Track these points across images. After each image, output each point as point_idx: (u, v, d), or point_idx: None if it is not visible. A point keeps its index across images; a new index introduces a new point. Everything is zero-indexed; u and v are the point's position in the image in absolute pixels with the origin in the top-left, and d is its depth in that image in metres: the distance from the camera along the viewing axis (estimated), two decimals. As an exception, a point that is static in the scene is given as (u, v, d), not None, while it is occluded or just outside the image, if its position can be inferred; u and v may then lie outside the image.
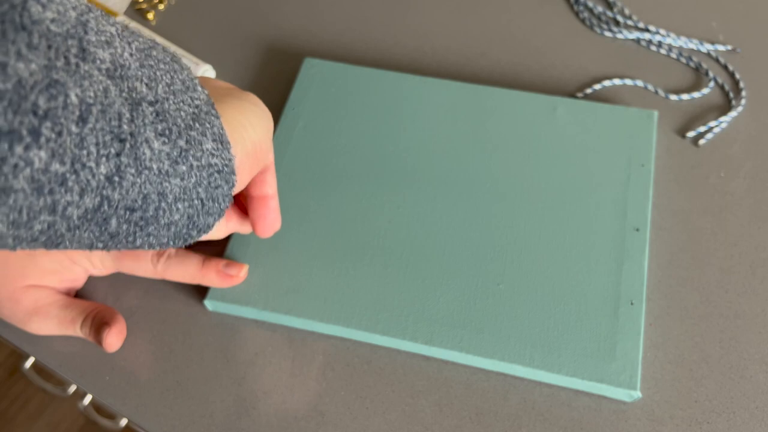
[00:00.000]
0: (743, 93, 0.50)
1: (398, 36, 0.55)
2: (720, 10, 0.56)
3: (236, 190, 0.33)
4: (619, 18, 0.55)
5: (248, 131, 0.31)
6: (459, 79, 0.52)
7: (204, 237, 0.35)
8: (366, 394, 0.39)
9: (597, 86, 0.51)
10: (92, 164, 0.20)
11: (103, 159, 0.20)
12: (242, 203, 0.41)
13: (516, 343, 0.39)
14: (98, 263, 0.40)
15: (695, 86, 0.51)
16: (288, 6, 0.58)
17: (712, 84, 0.51)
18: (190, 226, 0.26)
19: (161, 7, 0.58)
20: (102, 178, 0.21)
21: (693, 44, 0.53)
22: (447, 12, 0.57)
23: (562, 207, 0.43)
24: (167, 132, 0.23)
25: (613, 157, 0.45)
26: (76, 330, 0.40)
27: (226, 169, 0.26)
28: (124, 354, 0.41)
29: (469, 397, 0.39)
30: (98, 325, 0.39)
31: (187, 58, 0.52)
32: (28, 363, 0.49)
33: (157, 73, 0.24)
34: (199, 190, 0.25)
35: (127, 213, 0.22)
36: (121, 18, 0.54)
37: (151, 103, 0.22)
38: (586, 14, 0.56)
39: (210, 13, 0.58)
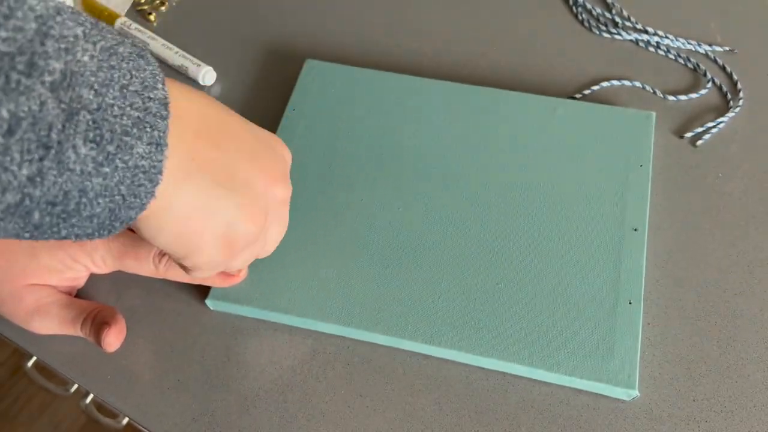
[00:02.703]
0: (741, 94, 0.51)
1: (398, 37, 0.56)
2: (718, 11, 0.56)
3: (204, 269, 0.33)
4: (618, 19, 0.55)
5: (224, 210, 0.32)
6: (459, 80, 0.52)
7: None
8: (366, 393, 0.39)
9: (596, 87, 0.51)
10: (14, 168, 0.22)
11: (26, 163, 0.22)
12: None
13: (515, 342, 0.39)
14: (99, 262, 0.40)
15: (693, 87, 0.52)
16: (289, 8, 0.58)
17: (709, 85, 0.51)
18: (113, 218, 0.27)
19: (163, 8, 0.58)
20: (24, 179, 0.23)
21: (691, 45, 0.54)
22: (447, 13, 0.57)
23: (561, 207, 0.44)
24: (98, 138, 0.24)
25: (611, 158, 0.45)
26: (76, 329, 0.40)
27: (153, 169, 0.27)
28: (126, 353, 0.41)
29: (468, 395, 0.39)
30: (98, 325, 0.40)
31: (189, 60, 0.52)
32: (30, 362, 0.50)
33: (115, 75, 0.25)
34: (122, 187, 0.26)
35: (49, 207, 0.24)
36: (123, 20, 0.55)
37: (90, 112, 0.24)
38: (584, 15, 0.56)
39: (211, 15, 0.58)
